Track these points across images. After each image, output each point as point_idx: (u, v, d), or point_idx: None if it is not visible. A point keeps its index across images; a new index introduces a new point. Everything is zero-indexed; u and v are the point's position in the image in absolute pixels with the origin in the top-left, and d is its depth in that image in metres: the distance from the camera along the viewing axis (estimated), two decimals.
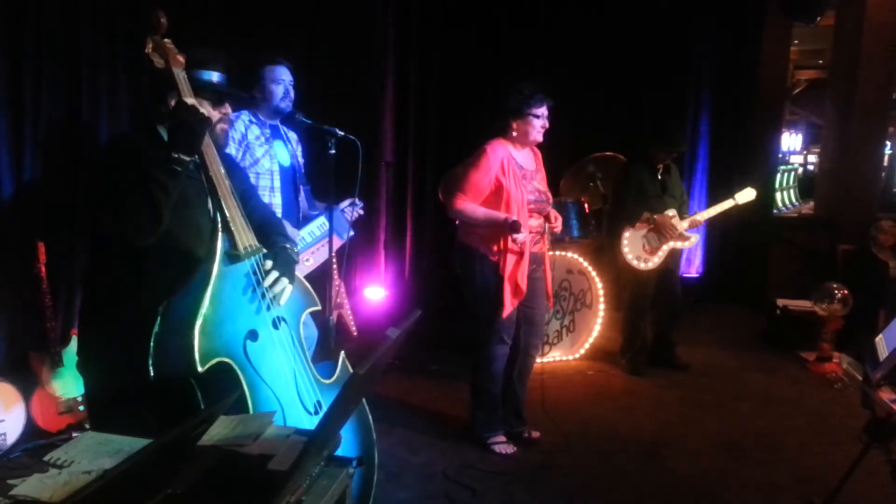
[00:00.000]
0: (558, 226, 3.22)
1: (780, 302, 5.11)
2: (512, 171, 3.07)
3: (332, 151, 2.63)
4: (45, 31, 3.28)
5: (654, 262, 4.22)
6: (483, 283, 3.12)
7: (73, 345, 3.23)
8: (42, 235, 3.15)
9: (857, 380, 4.14)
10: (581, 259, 4.53)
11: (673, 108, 5.75)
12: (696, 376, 4.37)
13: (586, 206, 4.33)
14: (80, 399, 3.15)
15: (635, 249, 4.22)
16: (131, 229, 1.74)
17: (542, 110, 3.10)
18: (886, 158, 6.60)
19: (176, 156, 1.75)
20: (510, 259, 3.07)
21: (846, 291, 4.44)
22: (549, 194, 3.27)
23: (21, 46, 3.22)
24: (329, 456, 1.45)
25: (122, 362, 1.80)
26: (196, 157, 1.82)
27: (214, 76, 2.01)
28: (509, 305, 3.09)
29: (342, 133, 2.64)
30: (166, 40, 1.83)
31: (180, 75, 1.83)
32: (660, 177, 4.26)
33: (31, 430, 3.05)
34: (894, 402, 2.39)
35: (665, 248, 4.21)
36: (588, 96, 5.53)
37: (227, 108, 2.02)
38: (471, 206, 3.08)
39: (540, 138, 3.15)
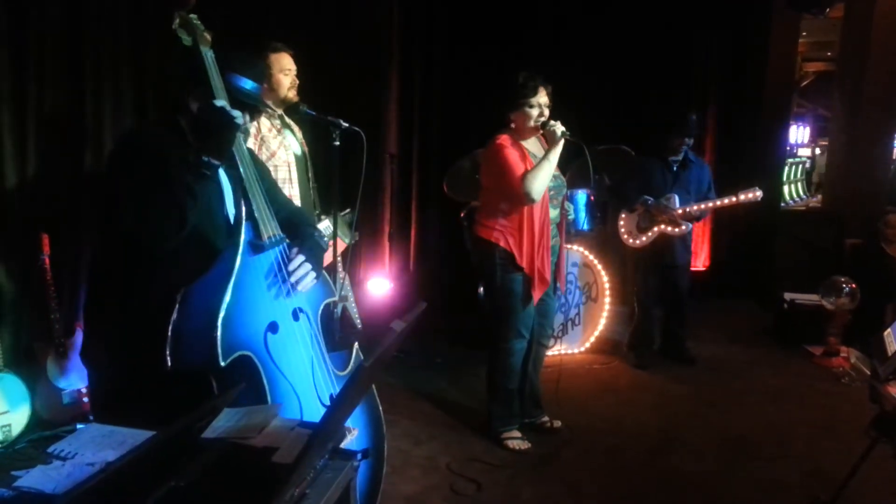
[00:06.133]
0: (570, 211, 3.35)
1: (787, 296, 5.07)
2: (528, 162, 3.03)
3: (337, 143, 2.60)
4: (48, 22, 3.26)
5: (642, 240, 4.28)
6: (502, 276, 3.09)
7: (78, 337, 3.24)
8: (46, 228, 3.15)
9: (864, 374, 4.11)
10: (587, 252, 4.52)
11: (680, 100, 5.72)
12: (702, 370, 4.35)
13: (591, 198, 4.33)
14: (84, 391, 3.15)
15: (628, 226, 4.31)
16: (155, 232, 1.67)
17: (538, 98, 3.01)
18: (895, 152, 6.52)
19: (206, 160, 1.67)
20: (528, 249, 3.04)
21: (854, 285, 4.42)
22: (564, 178, 3.25)
23: (24, 38, 3.21)
24: (334, 448, 1.44)
25: (132, 354, 1.76)
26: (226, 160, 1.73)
27: (248, 84, 1.87)
28: (536, 297, 3.10)
29: (346, 124, 2.61)
30: (192, 16, 1.74)
31: (208, 55, 1.74)
32: (675, 169, 4.25)
33: (36, 422, 3.06)
34: None
35: (655, 229, 4.24)
36: (594, 89, 5.49)
37: (246, 118, 1.82)
38: (529, 177, 2.95)
39: (542, 121, 3.02)
